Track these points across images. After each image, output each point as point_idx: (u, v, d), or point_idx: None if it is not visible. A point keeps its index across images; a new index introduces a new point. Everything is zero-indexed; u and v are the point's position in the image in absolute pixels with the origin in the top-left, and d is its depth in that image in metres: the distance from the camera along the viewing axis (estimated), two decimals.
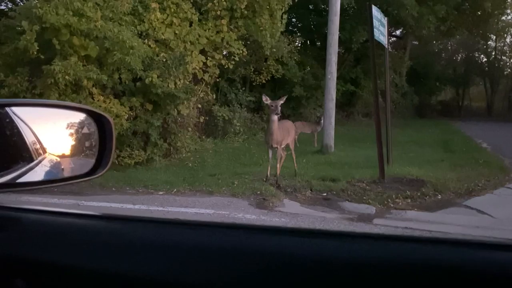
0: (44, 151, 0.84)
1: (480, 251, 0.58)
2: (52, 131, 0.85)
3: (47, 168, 0.84)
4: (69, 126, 0.85)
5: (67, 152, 0.86)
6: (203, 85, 10.27)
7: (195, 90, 8.90)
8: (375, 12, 6.74)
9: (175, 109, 8.16)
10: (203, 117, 10.20)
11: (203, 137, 10.63)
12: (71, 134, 0.86)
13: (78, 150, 0.88)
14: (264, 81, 13.64)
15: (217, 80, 11.22)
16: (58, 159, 0.85)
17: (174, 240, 0.70)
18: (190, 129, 9.18)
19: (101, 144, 0.84)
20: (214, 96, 11.23)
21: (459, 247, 0.60)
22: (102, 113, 0.84)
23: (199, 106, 10.09)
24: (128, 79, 7.70)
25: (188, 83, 8.70)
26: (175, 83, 7.95)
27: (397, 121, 11.42)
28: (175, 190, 6.01)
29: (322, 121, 10.42)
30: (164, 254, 0.68)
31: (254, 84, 13.78)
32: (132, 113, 7.67)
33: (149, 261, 0.67)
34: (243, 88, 13.16)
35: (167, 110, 8.04)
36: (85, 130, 0.86)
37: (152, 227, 0.76)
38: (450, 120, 22.92)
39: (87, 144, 0.88)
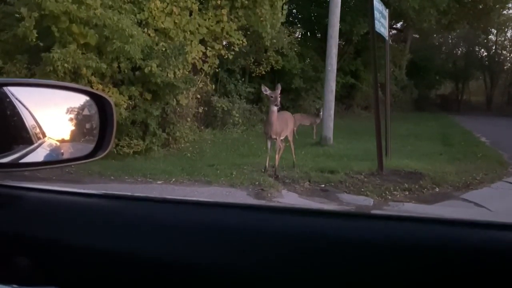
0: (45, 133, 0.84)
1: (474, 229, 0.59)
2: (52, 112, 0.84)
3: (48, 150, 0.84)
4: (70, 107, 0.85)
5: (68, 134, 0.86)
6: (203, 75, 10.23)
7: (195, 80, 8.87)
8: (377, 3, 6.70)
9: (174, 99, 8.14)
10: (202, 108, 10.18)
11: (202, 127, 10.62)
12: (72, 116, 0.85)
13: (78, 132, 0.88)
14: (263, 72, 13.59)
15: (217, 70, 11.19)
16: (59, 141, 0.85)
17: (176, 219, 0.70)
18: (189, 119, 9.17)
19: (101, 127, 0.84)
20: (214, 86, 11.20)
21: (456, 227, 0.61)
22: (103, 95, 0.84)
23: (198, 96, 10.06)
24: (127, 68, 7.66)
25: (187, 73, 8.66)
26: (175, 73, 7.91)
27: (396, 114, 11.44)
28: (173, 179, 6.02)
29: (321, 113, 10.41)
30: (165, 233, 0.68)
31: (253, 75, 13.73)
32: (131, 103, 7.65)
33: (150, 240, 0.67)
34: (243, 79, 13.12)
35: (166, 100, 8.02)
36: (86, 112, 0.86)
37: (154, 206, 0.76)
38: (449, 114, 22.93)
39: (87, 126, 0.87)
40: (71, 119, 0.86)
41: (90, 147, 0.84)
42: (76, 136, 0.88)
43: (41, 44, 6.84)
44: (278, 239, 0.63)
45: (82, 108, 0.85)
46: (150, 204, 0.77)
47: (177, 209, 0.74)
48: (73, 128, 0.86)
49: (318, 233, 0.62)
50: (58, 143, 0.85)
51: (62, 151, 0.86)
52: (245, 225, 0.67)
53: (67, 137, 0.86)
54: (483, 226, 0.60)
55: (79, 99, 0.84)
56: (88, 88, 0.84)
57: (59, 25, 6.89)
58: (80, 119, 0.87)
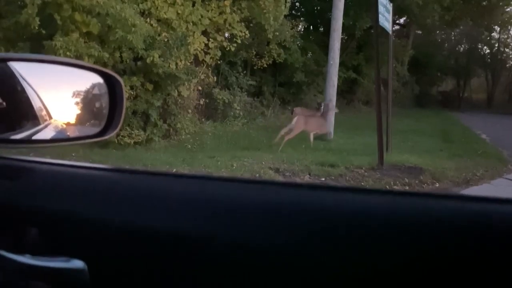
0: (53, 111, 0.84)
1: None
2: (60, 90, 0.84)
3: (59, 128, 0.84)
4: (80, 86, 0.85)
5: (77, 112, 0.86)
6: (204, 67, 10.21)
7: (196, 71, 8.85)
8: None
9: (176, 90, 8.13)
10: (203, 100, 10.16)
11: (203, 119, 10.61)
12: (81, 94, 0.85)
13: (88, 111, 0.88)
14: (265, 65, 13.55)
15: (218, 62, 11.15)
16: (69, 119, 0.85)
17: (182, 192, 0.71)
18: (190, 111, 9.16)
19: (111, 106, 0.84)
20: (215, 78, 11.17)
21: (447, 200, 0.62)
22: (113, 74, 0.84)
23: (200, 88, 10.04)
24: (129, 58, 7.65)
25: (189, 64, 8.64)
26: (176, 64, 7.90)
27: (397, 110, 11.45)
28: (174, 170, 6.02)
29: (322, 107, 10.40)
30: (170, 206, 0.69)
31: (255, 68, 13.70)
32: (132, 93, 7.64)
33: (156, 212, 0.68)
34: (244, 72, 13.09)
35: (167, 90, 8.00)
36: (96, 91, 0.86)
37: (160, 179, 0.77)
38: (450, 110, 22.93)
39: (97, 104, 0.87)
40: (80, 98, 0.85)
41: (100, 126, 0.84)
42: (86, 115, 0.88)
43: (44, 31, 6.81)
44: (278, 211, 0.64)
45: (91, 86, 0.85)
46: (165, 179, 0.77)
47: (181, 182, 0.75)
48: (82, 106, 0.86)
49: (319, 206, 0.63)
50: (67, 122, 0.86)
51: (71, 129, 0.86)
52: (246, 198, 0.68)
53: (76, 115, 0.86)
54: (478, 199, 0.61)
55: (88, 77, 0.84)
56: (98, 67, 0.84)
57: (62, 13, 6.86)
58: (89, 97, 0.87)
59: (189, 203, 0.69)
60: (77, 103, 0.85)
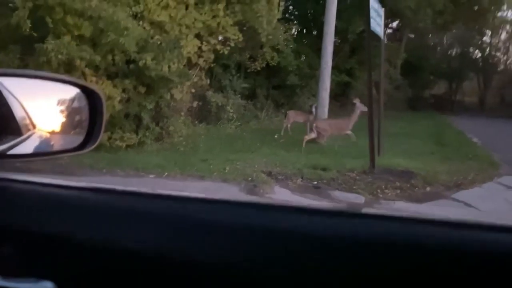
0: (34, 124, 0.84)
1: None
2: (41, 104, 0.84)
3: (37, 142, 0.84)
4: (60, 99, 0.84)
5: (57, 125, 0.85)
6: (197, 70, 10.21)
7: (189, 74, 8.84)
8: (373, 2, 6.71)
9: (169, 93, 8.12)
10: (196, 102, 10.16)
11: (196, 122, 10.60)
12: (62, 108, 0.85)
13: (68, 124, 0.88)
14: (259, 69, 13.57)
15: (212, 65, 11.15)
16: (48, 132, 0.85)
17: (162, 213, 0.70)
18: (183, 113, 9.15)
19: (91, 119, 0.84)
20: (208, 81, 11.18)
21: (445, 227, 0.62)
22: (93, 88, 0.84)
23: (193, 91, 10.04)
24: (122, 61, 7.63)
25: (182, 67, 8.63)
26: (169, 67, 7.89)
27: (390, 113, 11.51)
28: (166, 173, 6.01)
29: (314, 110, 10.43)
30: (150, 226, 0.68)
31: (248, 71, 13.71)
32: (124, 96, 7.62)
33: (127, 231, 0.68)
34: (238, 75, 13.10)
35: (160, 93, 7.99)
36: (76, 104, 0.85)
37: (138, 199, 0.77)
38: (442, 114, 23.04)
39: (77, 118, 0.87)
40: (60, 111, 0.85)
41: (79, 139, 0.84)
42: (66, 128, 0.87)
43: (35, 34, 6.78)
44: (269, 235, 0.64)
45: (72, 100, 0.85)
46: (136, 198, 0.77)
47: (162, 203, 0.75)
48: (62, 120, 0.86)
49: (310, 231, 0.63)
50: (47, 135, 0.85)
51: (51, 143, 0.86)
52: (235, 221, 0.67)
53: (56, 129, 0.86)
54: (472, 227, 0.61)
55: (69, 91, 0.84)
56: (79, 80, 0.83)
57: (54, 15, 6.84)
58: (70, 111, 0.87)
59: (160, 223, 0.69)
60: (56, 117, 0.85)
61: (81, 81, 0.83)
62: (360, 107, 9.02)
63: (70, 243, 0.70)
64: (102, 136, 0.83)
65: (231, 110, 11.68)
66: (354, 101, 9.40)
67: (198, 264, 0.65)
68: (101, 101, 0.83)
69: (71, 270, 0.68)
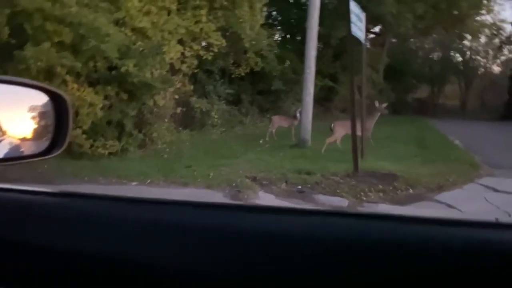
0: (0, 129, 0.81)
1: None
2: (5, 108, 0.82)
3: (4, 147, 0.82)
4: (24, 104, 0.83)
5: (22, 130, 0.83)
6: (181, 75, 10.17)
7: (172, 80, 8.80)
8: (353, 7, 6.79)
9: (151, 99, 8.06)
10: (180, 108, 10.10)
11: (180, 128, 10.54)
12: (26, 113, 0.83)
13: (34, 129, 0.86)
14: (243, 74, 13.59)
15: (195, 71, 11.13)
16: (12, 137, 0.83)
17: (129, 217, 0.69)
18: (166, 120, 9.09)
19: (57, 124, 0.82)
20: (192, 87, 11.14)
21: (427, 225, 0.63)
22: (58, 91, 0.82)
23: (176, 97, 9.99)
24: (103, 68, 7.55)
25: (165, 73, 8.59)
26: (152, 73, 7.84)
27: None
28: (149, 181, 5.95)
29: (299, 115, 10.47)
30: (117, 231, 0.67)
31: (233, 76, 13.72)
32: (106, 102, 7.54)
33: (102, 238, 0.66)
34: (222, 80, 13.09)
35: (143, 100, 7.93)
36: (42, 109, 0.84)
37: (107, 203, 0.75)
38: (425, 117, 23.36)
39: (42, 123, 0.85)
40: (26, 116, 0.83)
41: (45, 143, 0.82)
42: (32, 133, 0.85)
43: (14, 41, 6.68)
44: (254, 239, 0.63)
45: (38, 104, 0.83)
46: (104, 202, 0.76)
47: (129, 207, 0.73)
48: (28, 125, 0.84)
49: (300, 233, 0.62)
50: (12, 140, 0.83)
51: (18, 148, 0.84)
52: (219, 225, 0.66)
53: (21, 134, 0.84)
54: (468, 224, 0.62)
55: (35, 95, 0.82)
56: (43, 84, 0.82)
57: (33, 22, 6.75)
58: (37, 115, 0.85)
59: (133, 228, 0.67)
60: (22, 122, 0.83)
61: (44, 85, 0.82)
62: (381, 110, 9.18)
63: (36, 250, 0.68)
64: (69, 140, 0.81)
65: (216, 116, 11.65)
66: (375, 103, 9.58)
67: (170, 269, 0.63)
68: (66, 103, 0.81)
69: (32, 276, 0.66)
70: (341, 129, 8.96)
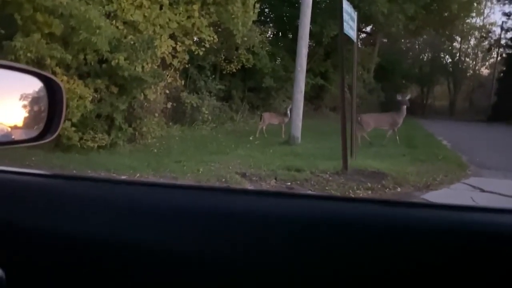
0: None
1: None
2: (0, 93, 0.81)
3: None
4: (17, 89, 0.82)
5: (15, 115, 0.83)
6: (172, 70, 10.12)
7: (163, 75, 8.76)
8: (346, 6, 6.82)
9: (142, 94, 8.02)
10: (170, 103, 10.06)
11: (170, 123, 10.50)
12: (19, 98, 0.83)
13: (27, 114, 0.85)
14: (234, 70, 13.57)
15: (187, 66, 11.08)
16: (7, 122, 0.82)
17: (116, 199, 0.69)
18: (156, 114, 9.05)
19: (50, 109, 0.82)
20: (183, 82, 11.09)
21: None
22: (51, 76, 0.82)
23: (167, 92, 9.95)
24: (94, 60, 7.49)
25: (156, 67, 8.54)
26: (143, 67, 7.79)
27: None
28: (138, 175, 5.92)
29: (289, 112, 10.50)
30: (111, 213, 0.67)
31: (224, 72, 13.69)
32: (96, 96, 7.48)
33: (92, 219, 0.67)
34: (213, 76, 13.06)
35: (133, 94, 7.88)
36: (35, 94, 0.83)
37: (95, 185, 0.75)
38: (414, 117, 23.55)
39: (35, 108, 0.85)
40: (19, 101, 0.83)
41: (38, 129, 0.82)
42: (25, 118, 0.85)
43: (3, 31, 6.59)
44: (253, 222, 0.64)
45: (31, 89, 0.83)
46: (92, 184, 0.76)
47: (117, 189, 0.74)
48: (21, 110, 0.84)
49: (298, 216, 0.63)
50: (6, 125, 0.83)
51: (10, 132, 0.84)
52: (217, 207, 0.67)
53: (14, 118, 0.84)
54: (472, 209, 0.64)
55: (28, 81, 0.82)
56: (37, 70, 0.82)
57: (23, 13, 6.66)
58: (29, 101, 0.85)
59: (124, 210, 0.68)
60: (15, 107, 0.82)
61: (38, 70, 0.81)
62: (405, 102, 9.28)
63: (21, 231, 0.68)
64: (62, 126, 0.81)
65: (206, 112, 11.63)
66: (397, 96, 9.70)
67: (163, 249, 0.64)
68: (60, 89, 0.81)
69: (22, 258, 0.66)
70: (369, 122, 9.03)
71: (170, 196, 0.72)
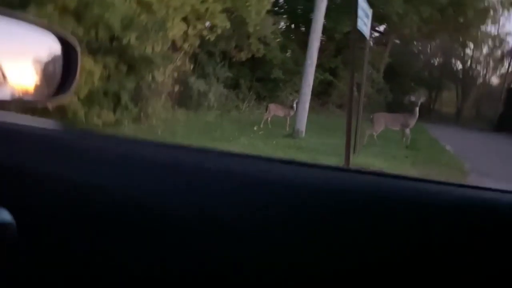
0: (3, 70, 0.81)
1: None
2: (12, 48, 0.80)
3: (6, 89, 0.81)
4: (32, 45, 0.82)
5: (27, 72, 0.83)
6: (182, 54, 10.09)
7: (173, 57, 8.74)
8: (361, 1, 6.77)
9: (150, 75, 8.01)
10: (178, 87, 10.05)
11: (176, 107, 10.50)
12: (33, 55, 0.83)
13: (39, 73, 0.85)
14: (244, 59, 13.52)
15: (197, 51, 11.05)
16: (17, 79, 0.82)
17: (134, 156, 0.70)
18: (163, 96, 9.05)
19: (64, 71, 0.82)
20: (192, 67, 11.07)
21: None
22: (68, 36, 0.82)
23: (175, 75, 9.92)
24: (105, 37, 7.47)
25: (166, 49, 8.52)
26: (153, 48, 7.77)
27: (369, 115, 11.69)
28: None
29: (295, 105, 10.48)
30: (118, 167, 0.68)
31: (233, 60, 13.65)
32: (105, 73, 7.47)
33: (101, 171, 0.68)
34: (222, 63, 13.02)
35: (141, 74, 7.88)
36: (49, 52, 0.83)
37: (108, 139, 0.76)
38: (420, 121, 23.45)
39: (50, 67, 0.85)
40: (32, 58, 0.83)
41: (51, 88, 0.82)
42: (37, 76, 0.85)
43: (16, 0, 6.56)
44: (260, 186, 0.64)
45: (45, 47, 0.82)
46: (116, 140, 0.77)
47: (146, 147, 0.75)
48: (34, 67, 0.83)
49: (298, 182, 0.64)
50: (17, 82, 0.83)
51: (21, 90, 0.84)
52: (226, 171, 0.67)
53: (27, 76, 0.83)
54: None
55: (43, 37, 0.81)
56: (55, 27, 0.81)
57: None
58: (43, 59, 0.84)
59: (140, 167, 0.68)
60: (27, 64, 0.82)
61: (56, 28, 0.81)
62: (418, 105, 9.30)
63: (31, 175, 0.68)
64: (75, 88, 0.81)
65: (213, 98, 11.62)
66: (411, 98, 9.81)
67: (170, 209, 0.64)
68: (76, 51, 0.81)
69: (30, 201, 0.66)
70: (381, 121, 9.04)
71: (175, 155, 0.73)
